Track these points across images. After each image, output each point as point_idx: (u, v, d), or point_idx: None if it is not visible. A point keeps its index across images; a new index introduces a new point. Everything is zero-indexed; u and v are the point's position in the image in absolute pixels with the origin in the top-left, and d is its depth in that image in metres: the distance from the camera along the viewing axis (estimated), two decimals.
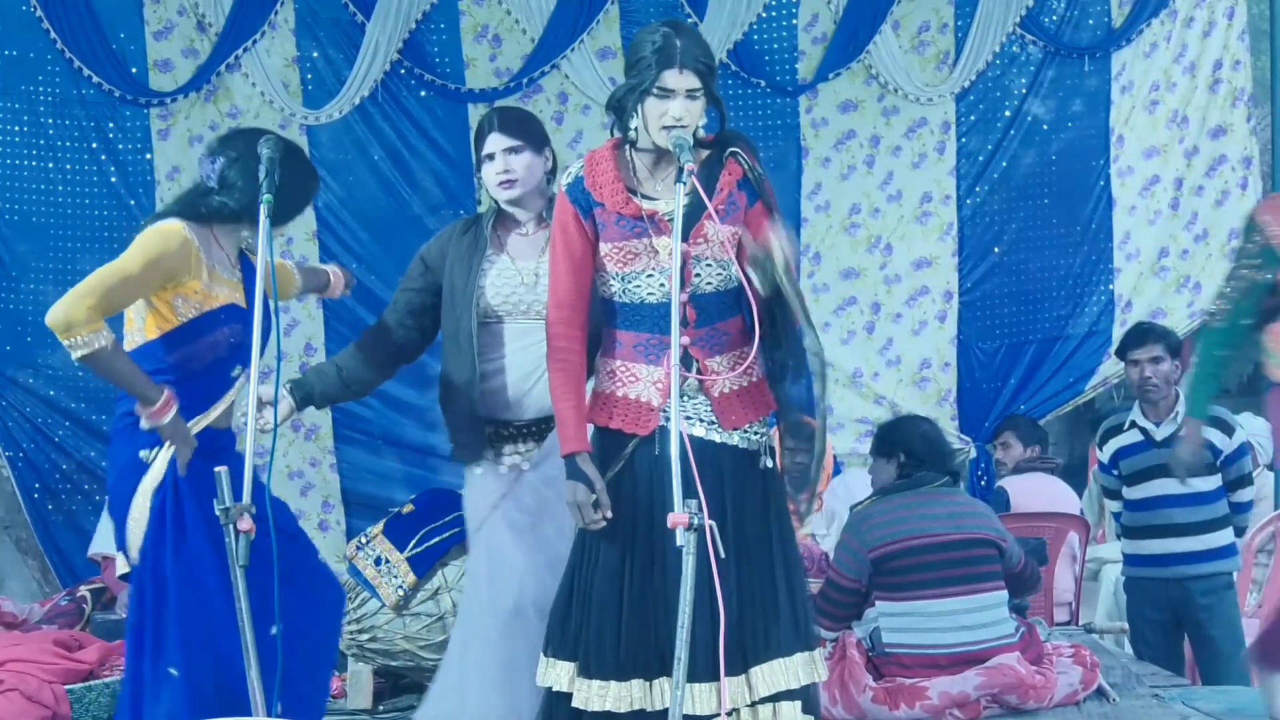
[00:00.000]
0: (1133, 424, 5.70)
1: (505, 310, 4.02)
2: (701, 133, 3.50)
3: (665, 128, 3.40)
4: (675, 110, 3.39)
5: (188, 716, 3.59)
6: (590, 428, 3.57)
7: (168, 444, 3.69)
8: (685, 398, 3.48)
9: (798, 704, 3.47)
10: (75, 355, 3.57)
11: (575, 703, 3.47)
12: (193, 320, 3.72)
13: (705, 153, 3.52)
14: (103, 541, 5.72)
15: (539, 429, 4.01)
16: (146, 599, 3.70)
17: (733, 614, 3.31)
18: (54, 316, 3.54)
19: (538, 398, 3.92)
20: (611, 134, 3.57)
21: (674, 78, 3.39)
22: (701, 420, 3.49)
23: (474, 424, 4.02)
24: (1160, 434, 5.61)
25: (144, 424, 3.67)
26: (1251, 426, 6.48)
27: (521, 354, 3.97)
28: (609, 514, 3.46)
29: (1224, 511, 5.58)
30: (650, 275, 3.49)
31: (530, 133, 4.05)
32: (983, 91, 7.26)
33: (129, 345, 3.73)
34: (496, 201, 4.09)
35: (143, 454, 3.72)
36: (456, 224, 4.22)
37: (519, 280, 4.01)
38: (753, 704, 3.44)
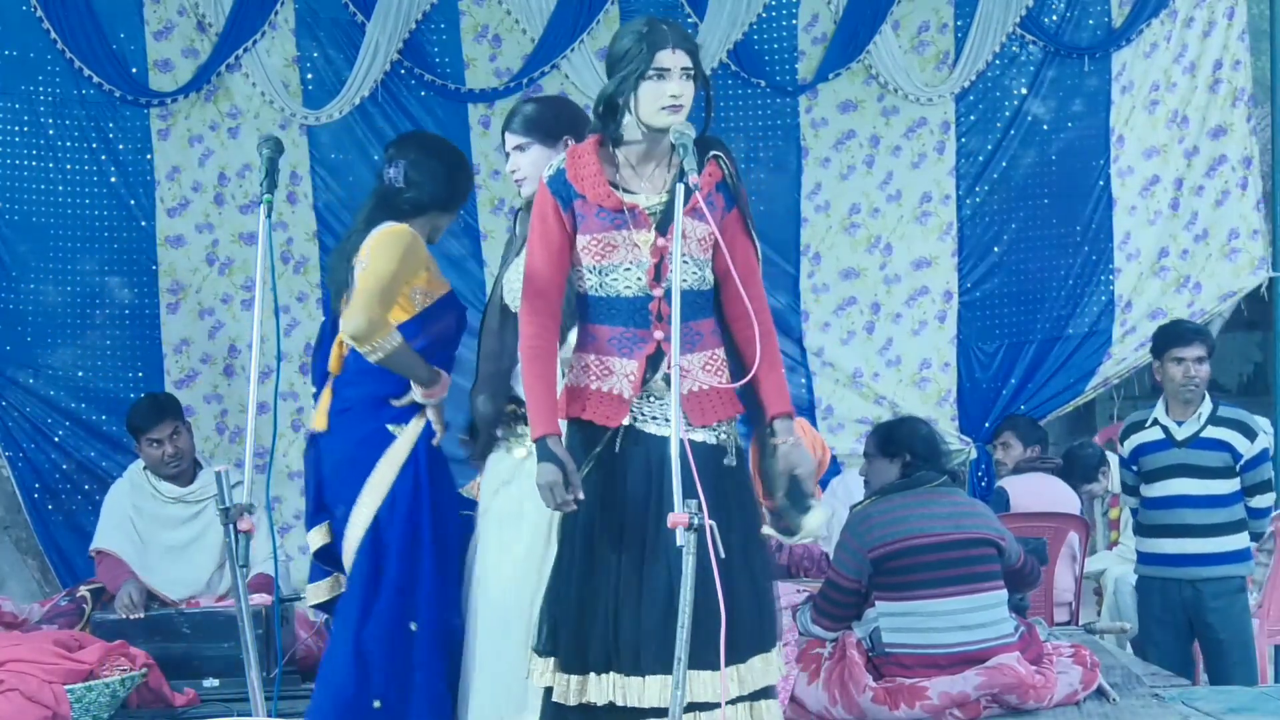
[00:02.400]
0: (1155, 421, 5.64)
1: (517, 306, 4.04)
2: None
3: (664, 107, 3.45)
4: (672, 88, 3.44)
5: (437, 665, 3.98)
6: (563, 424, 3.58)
7: (417, 418, 4.05)
8: (654, 398, 3.53)
9: (745, 706, 3.49)
10: (374, 358, 3.90)
11: (532, 680, 3.54)
12: (427, 308, 4.07)
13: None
14: (104, 537, 5.69)
15: None
16: (390, 558, 4.01)
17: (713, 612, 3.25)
18: (355, 329, 3.90)
19: None
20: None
21: (668, 57, 3.45)
22: (669, 420, 3.43)
23: (495, 419, 4.03)
24: (1181, 434, 5.57)
25: (419, 400, 4.04)
26: None
27: None
28: (580, 495, 3.47)
29: (1240, 515, 5.56)
30: (628, 269, 3.52)
31: (539, 127, 4.03)
32: (982, 91, 7.25)
33: None
34: None
35: (390, 427, 4.05)
36: None
37: None
38: (703, 706, 3.40)
